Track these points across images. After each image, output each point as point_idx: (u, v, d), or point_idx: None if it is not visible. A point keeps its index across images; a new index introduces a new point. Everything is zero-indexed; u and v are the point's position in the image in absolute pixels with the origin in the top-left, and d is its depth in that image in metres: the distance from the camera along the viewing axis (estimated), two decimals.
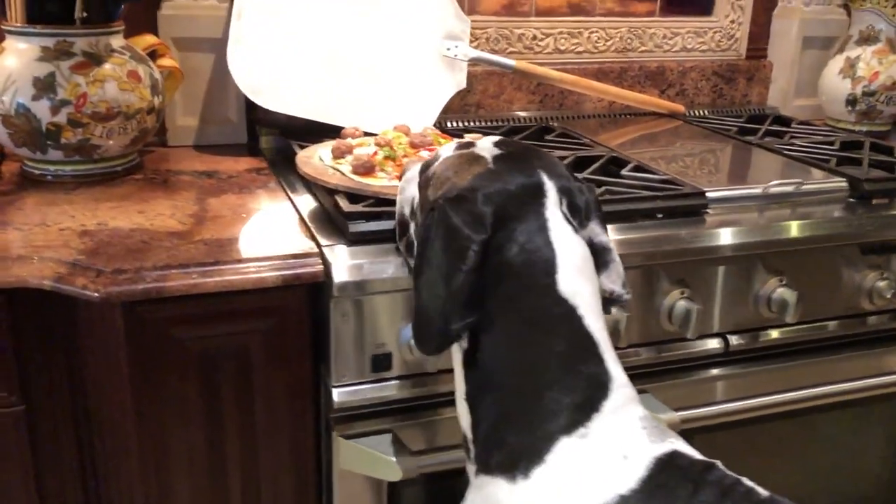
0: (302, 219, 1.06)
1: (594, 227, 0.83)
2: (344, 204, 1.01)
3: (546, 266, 0.76)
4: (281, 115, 1.34)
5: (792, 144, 1.45)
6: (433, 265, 0.77)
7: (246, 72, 1.32)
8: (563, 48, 1.65)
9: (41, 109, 1.10)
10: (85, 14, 1.13)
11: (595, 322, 0.78)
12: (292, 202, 1.13)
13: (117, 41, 1.18)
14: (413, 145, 1.16)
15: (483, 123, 1.55)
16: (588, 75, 1.65)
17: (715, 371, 1.16)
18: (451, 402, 0.95)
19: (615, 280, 0.84)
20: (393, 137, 1.18)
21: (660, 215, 1.12)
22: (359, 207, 1.00)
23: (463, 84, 1.47)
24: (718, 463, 0.74)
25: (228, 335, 0.94)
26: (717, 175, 1.35)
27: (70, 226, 1.00)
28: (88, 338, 0.95)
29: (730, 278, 1.12)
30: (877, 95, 1.62)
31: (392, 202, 1.01)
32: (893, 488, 1.39)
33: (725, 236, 1.10)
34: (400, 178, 0.97)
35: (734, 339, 1.15)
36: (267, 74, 1.34)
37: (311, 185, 1.16)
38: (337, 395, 0.97)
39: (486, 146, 0.84)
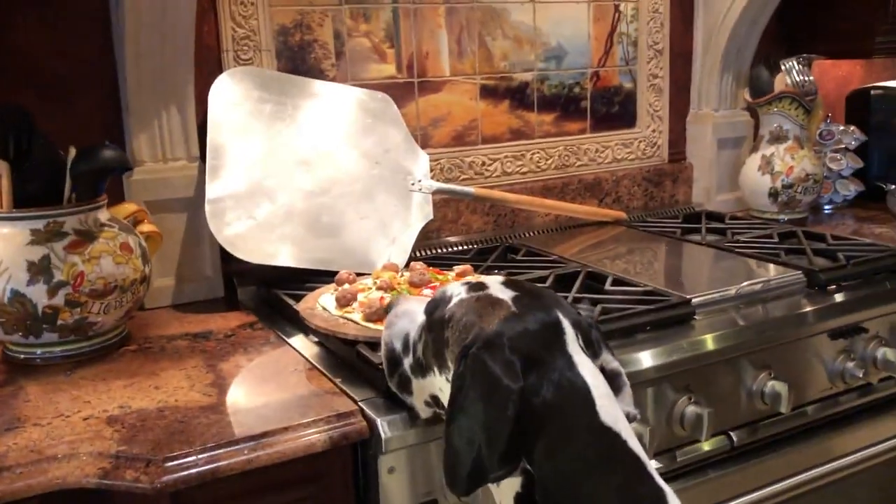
0: (323, 373, 1.06)
1: (606, 356, 0.88)
2: (371, 355, 1.02)
3: (584, 401, 0.80)
4: (258, 265, 1.35)
5: (737, 242, 1.57)
6: (469, 413, 0.78)
7: (225, 228, 1.33)
8: (509, 170, 1.75)
9: (37, 293, 1.07)
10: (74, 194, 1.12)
11: (635, 443, 0.82)
12: (304, 357, 1.13)
13: (104, 214, 1.17)
14: (414, 285, 1.19)
15: (449, 250, 1.61)
16: (534, 193, 1.75)
17: (725, 468, 1.22)
18: None
19: (629, 402, 0.89)
20: (390, 278, 1.21)
21: (648, 328, 1.19)
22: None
23: (430, 215, 1.53)
24: None
25: None
26: (688, 280, 1.44)
27: (92, 413, 0.97)
28: None
29: (724, 378, 1.20)
30: (794, 187, 1.79)
31: None
32: None
33: (718, 340, 1.18)
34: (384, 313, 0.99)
35: (736, 435, 1.21)
36: (245, 228, 1.35)
37: (311, 333, 1.17)
38: None
39: (498, 288, 0.87)
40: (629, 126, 1.89)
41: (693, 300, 1.24)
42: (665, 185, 1.94)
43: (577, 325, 0.84)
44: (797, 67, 1.78)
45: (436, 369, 0.86)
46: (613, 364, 0.88)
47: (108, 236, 1.14)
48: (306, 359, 1.12)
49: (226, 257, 1.40)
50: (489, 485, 0.84)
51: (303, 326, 1.19)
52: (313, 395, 1.00)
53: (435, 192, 1.55)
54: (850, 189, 1.95)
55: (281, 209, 1.39)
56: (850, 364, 1.29)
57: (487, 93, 1.70)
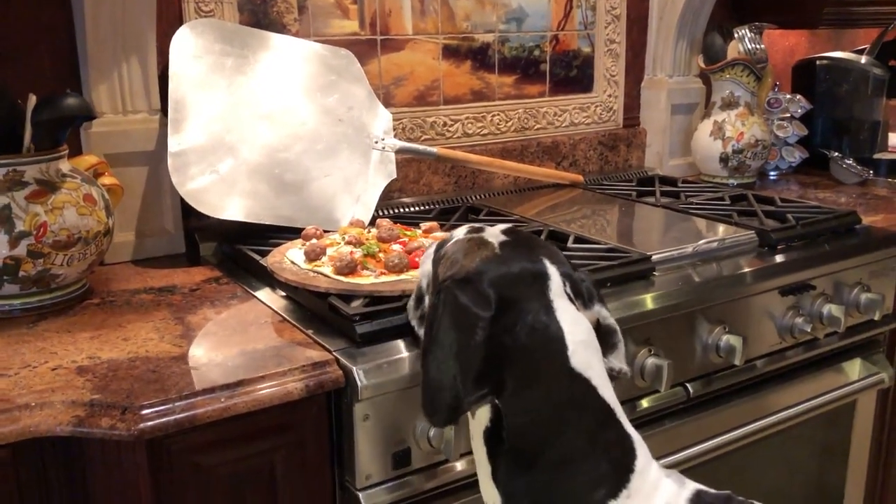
0: (294, 325, 1.07)
1: (601, 311, 0.91)
2: (344, 306, 1.03)
3: (556, 345, 0.83)
4: (220, 220, 1.34)
5: (691, 204, 1.62)
6: (442, 342, 0.81)
7: (188, 182, 1.31)
8: (470, 132, 1.76)
9: None
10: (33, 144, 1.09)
11: (608, 391, 0.85)
12: (273, 309, 1.13)
13: (65, 165, 1.14)
14: (383, 240, 1.20)
15: (411, 209, 1.61)
16: (494, 154, 1.76)
17: (682, 418, 1.26)
18: (472, 486, 0.99)
19: (621, 359, 0.92)
20: (357, 234, 1.22)
21: (609, 283, 1.22)
22: (361, 308, 1.03)
23: (394, 174, 1.53)
24: (731, 493, 0.84)
25: (255, 455, 0.93)
26: (646, 239, 1.48)
27: (60, 363, 0.95)
28: (104, 480, 0.90)
29: (682, 331, 1.24)
30: (744, 152, 1.84)
31: (384, 299, 1.05)
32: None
33: (676, 295, 1.22)
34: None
35: (692, 387, 1.26)
36: (208, 182, 1.33)
37: (279, 287, 1.17)
38: (364, 498, 0.97)
39: (494, 233, 0.91)
40: (586, 90, 1.92)
41: (653, 257, 1.28)
42: (619, 150, 1.98)
43: (566, 276, 0.87)
44: (749, 35, 1.82)
45: None
46: (609, 320, 0.92)
47: (70, 187, 1.12)
48: (276, 311, 1.12)
49: (187, 212, 1.39)
50: (469, 417, 0.87)
51: (269, 281, 1.20)
52: (286, 346, 1.00)
53: (398, 152, 1.55)
54: (795, 156, 2.01)
55: (244, 164, 1.38)
56: (799, 319, 1.35)
57: (450, 53, 1.70)
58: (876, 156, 2.02)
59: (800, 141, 2.03)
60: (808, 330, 1.34)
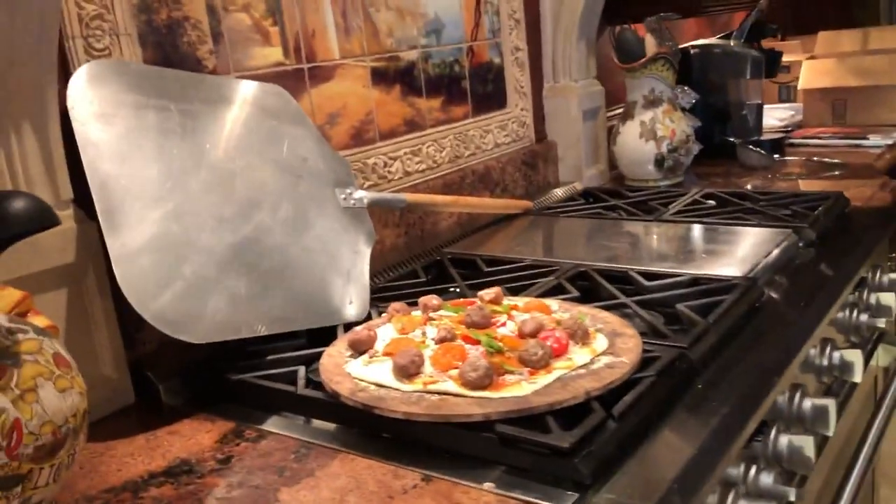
0: (457, 482, 0.71)
1: None
2: (535, 436, 0.70)
3: None
4: (176, 344, 0.91)
5: (682, 214, 1.46)
6: None
7: (152, 302, 0.88)
8: (409, 170, 1.45)
9: None
10: None
11: None
12: (389, 463, 0.76)
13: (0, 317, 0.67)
14: (477, 326, 0.88)
15: (375, 281, 1.27)
16: (436, 190, 1.47)
17: None
18: None
19: None
20: (446, 323, 0.88)
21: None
22: (563, 433, 0.70)
23: (374, 234, 1.18)
24: None
25: None
26: (711, 260, 1.26)
27: None
28: None
29: None
30: (678, 150, 1.73)
31: (571, 412, 0.75)
32: None
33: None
34: None
35: None
36: (179, 295, 0.90)
37: (382, 425, 0.80)
38: None
39: None
40: (502, 106, 1.69)
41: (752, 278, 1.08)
42: (538, 167, 1.77)
43: None
44: (660, 28, 1.72)
45: None
46: None
47: (30, 349, 0.65)
48: (398, 466, 0.75)
49: (129, 343, 0.94)
50: None
51: (333, 413, 0.82)
52: None
53: (369, 205, 1.20)
54: (695, 149, 1.96)
55: (210, 258, 0.96)
56: (864, 316, 1.24)
57: (379, 77, 1.38)
58: (763, 138, 2.03)
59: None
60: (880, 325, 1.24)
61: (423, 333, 0.88)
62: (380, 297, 1.14)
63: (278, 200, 1.08)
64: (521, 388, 0.77)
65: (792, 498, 0.82)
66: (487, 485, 0.70)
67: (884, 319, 1.25)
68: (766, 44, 2.10)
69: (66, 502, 0.74)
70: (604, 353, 0.84)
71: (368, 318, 1.07)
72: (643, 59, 1.69)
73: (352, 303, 1.08)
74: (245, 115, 1.10)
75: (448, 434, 0.75)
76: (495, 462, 0.73)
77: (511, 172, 1.68)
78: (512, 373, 0.79)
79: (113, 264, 0.86)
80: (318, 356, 0.97)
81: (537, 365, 0.80)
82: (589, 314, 0.94)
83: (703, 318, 0.95)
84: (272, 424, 0.87)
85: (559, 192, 1.74)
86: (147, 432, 0.87)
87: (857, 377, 1.10)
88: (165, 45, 1.05)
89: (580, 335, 0.85)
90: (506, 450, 0.72)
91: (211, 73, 1.10)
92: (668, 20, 1.75)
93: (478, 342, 0.84)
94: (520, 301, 0.98)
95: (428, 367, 0.81)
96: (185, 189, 0.97)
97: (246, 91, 1.12)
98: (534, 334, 0.85)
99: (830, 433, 0.95)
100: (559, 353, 0.82)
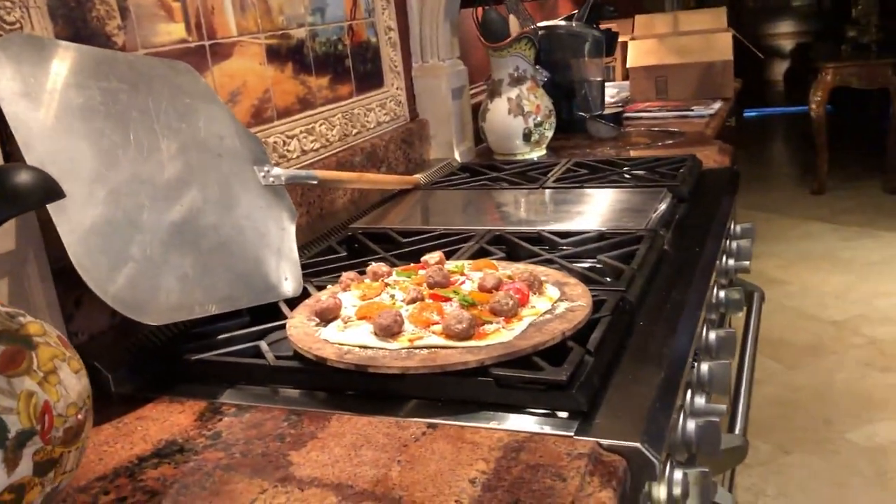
0: (459, 424, 0.76)
1: None
2: (529, 373, 0.76)
3: None
4: (116, 326, 0.89)
5: (564, 181, 1.56)
6: None
7: (110, 285, 0.84)
8: (306, 149, 1.45)
9: None
10: None
11: None
12: (390, 418, 0.79)
13: None
14: (440, 285, 0.92)
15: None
16: (331, 169, 1.48)
17: None
18: None
19: None
20: (405, 285, 0.92)
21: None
22: (555, 368, 0.77)
23: (294, 212, 1.19)
24: None
25: None
26: (610, 217, 1.35)
27: None
28: None
29: None
30: (543, 124, 1.85)
31: (552, 352, 0.81)
32: None
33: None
34: None
35: None
36: (133, 275, 0.88)
37: (383, 383, 0.83)
38: None
39: None
40: (380, 85, 1.72)
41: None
42: (415, 145, 1.83)
43: None
44: (518, 8, 1.82)
45: None
46: None
47: (37, 331, 0.62)
48: (397, 419, 0.78)
49: (71, 332, 0.90)
50: None
51: (283, 382, 0.84)
52: (520, 465, 0.70)
53: (286, 182, 1.20)
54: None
55: (155, 238, 0.93)
56: (731, 261, 1.41)
57: (273, 55, 1.37)
58: (605, 112, 2.20)
59: None
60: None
61: (392, 297, 0.91)
62: (307, 274, 1.15)
63: (205, 179, 1.06)
64: (502, 335, 0.82)
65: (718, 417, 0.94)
66: (493, 423, 0.75)
67: (746, 261, 1.43)
68: (603, 25, 2.28)
69: (61, 495, 0.71)
70: (560, 300, 0.91)
71: (305, 293, 1.08)
72: (510, 38, 1.79)
73: (287, 279, 1.09)
74: (160, 93, 1.06)
75: (445, 383, 0.79)
76: (493, 404, 0.78)
77: (393, 150, 1.72)
78: (490, 322, 0.84)
79: (66, 247, 0.82)
80: (270, 331, 0.98)
81: (509, 314, 0.86)
82: (528, 270, 1.01)
83: (627, 265, 1.05)
84: (249, 398, 0.86)
85: (437, 169, 1.80)
86: (112, 421, 0.84)
87: (742, 312, 1.26)
88: (76, 19, 0.99)
89: (536, 286, 0.92)
90: (503, 390, 0.77)
91: (121, 51, 1.06)
92: (525, 0, 1.86)
93: (448, 299, 0.88)
94: (465, 262, 1.03)
95: (408, 326, 0.85)
96: (119, 169, 0.94)
97: (158, 69, 1.08)
98: (497, 288, 0.90)
99: (735, 359, 1.09)
100: (523, 302, 0.89)
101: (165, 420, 0.83)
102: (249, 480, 0.70)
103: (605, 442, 0.71)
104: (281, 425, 0.80)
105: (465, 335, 0.81)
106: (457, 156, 1.89)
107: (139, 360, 0.93)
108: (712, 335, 1.09)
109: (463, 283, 0.94)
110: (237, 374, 0.89)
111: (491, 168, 1.73)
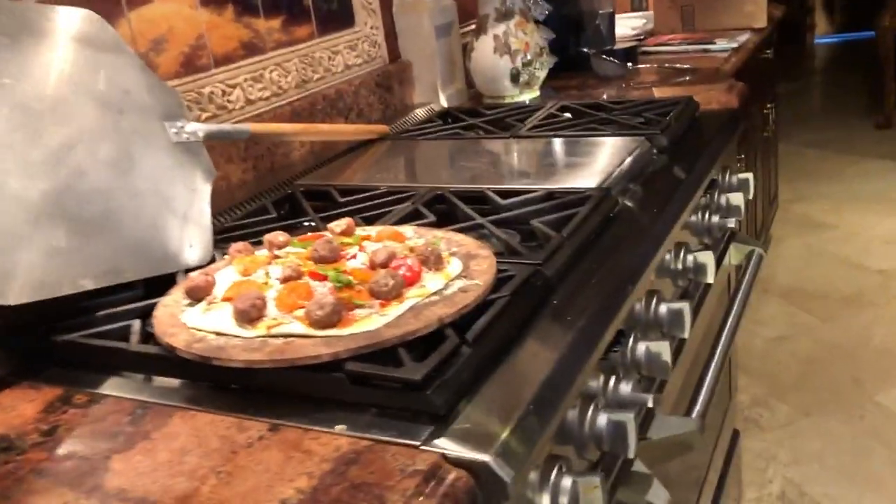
0: (304, 427, 0.67)
1: None
2: (384, 370, 0.66)
3: None
4: None
5: (542, 129, 1.43)
6: None
7: None
8: (252, 98, 1.35)
9: None
10: None
11: None
12: (237, 415, 0.70)
13: None
14: (325, 260, 0.82)
15: (222, 219, 1.19)
16: (284, 119, 1.39)
17: None
18: None
19: None
20: (289, 262, 0.82)
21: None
22: (417, 365, 0.67)
23: (213, 171, 1.09)
24: None
25: None
26: (571, 172, 1.24)
27: None
28: None
29: None
30: (533, 63, 1.70)
31: (423, 343, 0.71)
32: None
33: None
34: None
35: None
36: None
37: (230, 376, 0.74)
38: None
39: None
40: (349, 25, 1.60)
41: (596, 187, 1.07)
42: (394, 90, 1.71)
43: None
44: None
45: None
46: None
47: None
48: (246, 417, 0.70)
49: None
50: None
51: (179, 369, 0.75)
52: (349, 469, 0.61)
53: (206, 138, 1.11)
54: (550, 62, 1.93)
55: (21, 207, 0.86)
56: (716, 218, 1.26)
57: None
58: (616, 47, 2.03)
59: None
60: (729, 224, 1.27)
61: (267, 274, 0.82)
62: (227, 238, 1.06)
63: (97, 140, 0.97)
64: (371, 322, 0.72)
65: (650, 404, 0.83)
66: (339, 427, 0.66)
67: (734, 219, 1.29)
68: None
69: None
70: (458, 278, 0.80)
71: (213, 261, 1.00)
72: None
73: (192, 246, 1.00)
74: (53, 46, 0.97)
75: (294, 378, 0.70)
76: (348, 403, 0.69)
77: (365, 96, 1.61)
78: (362, 306, 0.74)
79: None
80: (155, 307, 0.90)
81: (388, 296, 0.75)
82: (444, 238, 0.90)
83: (558, 232, 0.93)
84: (108, 387, 0.79)
85: (418, 114, 1.68)
86: None
87: (710, 278, 1.12)
88: None
89: (433, 261, 0.81)
90: (357, 388, 0.68)
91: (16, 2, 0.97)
92: None
93: (326, 278, 0.79)
94: (372, 230, 0.93)
95: (273, 310, 0.75)
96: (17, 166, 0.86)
97: (57, 18, 0.99)
98: (385, 264, 0.80)
99: (686, 335, 0.97)
100: (412, 281, 0.78)
101: (13, 410, 0.77)
102: (54, 490, 0.63)
103: (451, 454, 0.61)
104: (122, 421, 0.72)
105: (327, 322, 0.72)
106: (442, 100, 1.76)
107: (12, 340, 0.87)
108: (663, 308, 0.97)
109: (354, 256, 0.84)
110: (102, 359, 0.82)
111: (471, 114, 1.60)
